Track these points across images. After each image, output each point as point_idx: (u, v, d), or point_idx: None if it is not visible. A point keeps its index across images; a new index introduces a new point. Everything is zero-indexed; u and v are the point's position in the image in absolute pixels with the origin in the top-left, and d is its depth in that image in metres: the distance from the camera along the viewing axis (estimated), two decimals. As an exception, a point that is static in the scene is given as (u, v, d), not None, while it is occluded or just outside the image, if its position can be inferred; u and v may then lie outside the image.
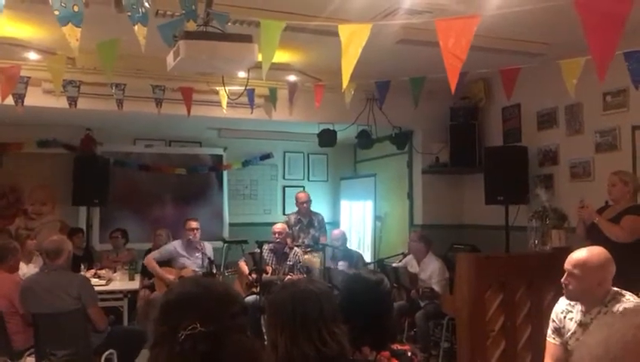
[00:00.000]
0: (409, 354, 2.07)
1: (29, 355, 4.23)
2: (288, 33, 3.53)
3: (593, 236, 4.16)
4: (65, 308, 4.07)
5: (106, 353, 4.18)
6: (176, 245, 6.37)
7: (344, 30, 2.67)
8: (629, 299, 2.61)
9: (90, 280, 4.68)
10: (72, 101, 5.27)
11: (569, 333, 2.77)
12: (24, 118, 6.37)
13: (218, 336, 1.03)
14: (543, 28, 4.62)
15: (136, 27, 2.80)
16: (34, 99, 5.31)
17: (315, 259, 6.31)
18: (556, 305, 2.91)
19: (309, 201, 6.98)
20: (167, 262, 6.30)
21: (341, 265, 6.52)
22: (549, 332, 2.89)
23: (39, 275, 4.42)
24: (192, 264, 6.27)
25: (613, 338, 0.62)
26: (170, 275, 6.09)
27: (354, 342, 1.85)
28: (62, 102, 5.33)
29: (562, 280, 2.70)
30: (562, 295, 2.91)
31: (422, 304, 5.61)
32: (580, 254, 2.67)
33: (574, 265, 2.65)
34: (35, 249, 5.93)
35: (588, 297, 2.66)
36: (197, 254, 6.29)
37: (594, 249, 2.71)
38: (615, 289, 2.68)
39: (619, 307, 2.58)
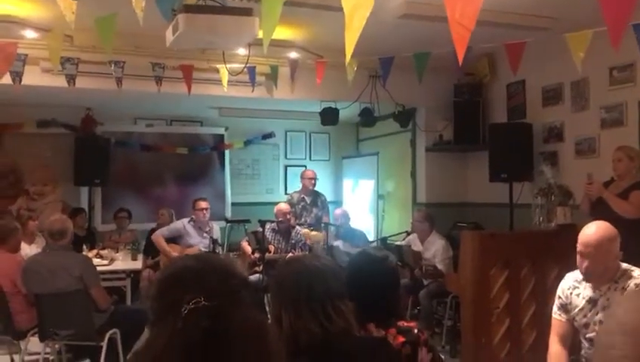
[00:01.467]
0: (415, 331, 2.04)
1: (32, 335, 4.24)
2: (289, 8, 3.45)
3: (598, 212, 4.11)
4: (67, 288, 4.06)
5: (110, 332, 4.18)
6: (185, 223, 6.37)
7: (347, 1, 2.60)
8: (639, 276, 2.57)
9: (92, 260, 4.66)
10: (71, 79, 5.21)
11: (576, 309, 2.74)
12: (23, 98, 6.32)
13: (223, 311, 1.00)
14: (549, 1, 4.53)
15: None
16: (32, 78, 5.26)
17: (315, 234, 6.29)
18: (562, 281, 2.88)
19: (316, 179, 6.95)
20: (172, 240, 6.30)
21: (338, 243, 6.49)
22: (555, 308, 2.86)
23: (41, 255, 4.41)
24: (199, 243, 6.27)
25: None
26: (174, 253, 6.10)
27: (359, 319, 1.82)
28: (61, 81, 5.27)
29: (578, 263, 2.62)
30: (567, 271, 2.87)
31: (425, 282, 5.60)
32: (591, 232, 2.59)
33: (587, 244, 2.57)
34: (38, 229, 5.91)
35: (606, 274, 2.61)
36: (205, 234, 6.29)
37: (600, 224, 2.66)
38: (624, 265, 2.65)
39: (630, 283, 2.54)
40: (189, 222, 6.36)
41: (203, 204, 6.37)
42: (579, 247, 2.62)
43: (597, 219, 2.91)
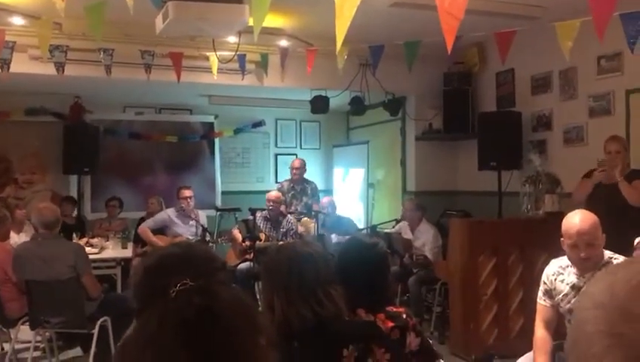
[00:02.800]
0: (404, 316, 2.07)
1: (22, 323, 4.24)
2: (280, -5, 3.46)
3: (593, 201, 4.14)
4: (59, 276, 4.06)
5: (101, 320, 4.19)
6: (169, 213, 6.35)
7: (337, -10, 2.60)
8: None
9: (84, 248, 4.66)
10: (60, 67, 5.17)
11: (560, 295, 2.78)
12: (11, 86, 6.27)
13: (211, 289, 1.04)
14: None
15: (123, -13, 2.72)
16: (20, 65, 5.21)
17: (309, 224, 6.31)
18: (547, 267, 2.92)
19: (303, 168, 6.96)
20: (160, 231, 6.29)
21: (333, 236, 6.52)
22: (540, 294, 2.90)
23: (33, 243, 4.38)
24: (186, 232, 6.26)
25: (618, 284, 0.61)
26: (162, 244, 6.09)
27: (349, 304, 1.85)
28: (49, 69, 5.24)
29: (574, 254, 2.62)
30: (553, 258, 2.92)
31: (414, 270, 5.65)
32: (580, 221, 2.59)
33: (582, 233, 2.56)
34: (26, 218, 5.88)
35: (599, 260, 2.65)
36: (191, 222, 6.28)
37: (584, 212, 2.69)
38: (607, 253, 2.68)
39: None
40: (174, 211, 6.35)
41: (187, 193, 6.33)
42: (573, 238, 2.58)
43: (591, 208, 2.93)
